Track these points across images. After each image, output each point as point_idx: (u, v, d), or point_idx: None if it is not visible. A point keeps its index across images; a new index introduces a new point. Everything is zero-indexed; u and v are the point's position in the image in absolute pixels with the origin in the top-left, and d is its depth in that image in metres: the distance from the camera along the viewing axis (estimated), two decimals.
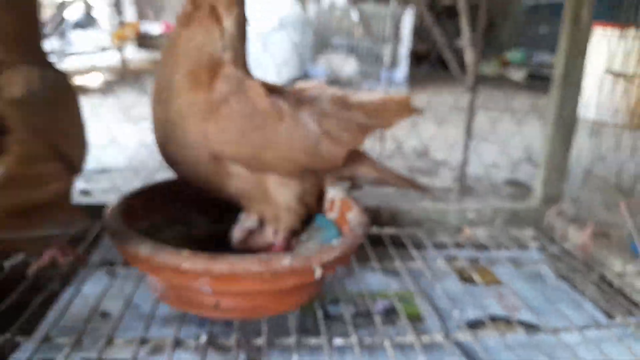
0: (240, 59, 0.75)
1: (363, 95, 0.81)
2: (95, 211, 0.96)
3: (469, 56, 1.09)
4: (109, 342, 0.64)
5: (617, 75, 1.27)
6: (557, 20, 1.73)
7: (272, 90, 0.75)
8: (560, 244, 1.00)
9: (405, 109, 0.82)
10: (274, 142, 0.73)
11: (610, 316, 0.82)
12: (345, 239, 0.70)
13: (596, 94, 1.24)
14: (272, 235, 0.78)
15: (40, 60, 0.68)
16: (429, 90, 1.51)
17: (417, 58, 3.68)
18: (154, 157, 1.17)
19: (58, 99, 0.65)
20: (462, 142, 1.26)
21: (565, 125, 1.04)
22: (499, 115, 1.32)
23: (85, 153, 0.68)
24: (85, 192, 1.31)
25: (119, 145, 1.55)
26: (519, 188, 1.48)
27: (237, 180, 0.75)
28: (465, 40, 1.10)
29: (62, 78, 0.68)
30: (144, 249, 0.62)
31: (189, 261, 0.60)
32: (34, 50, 0.67)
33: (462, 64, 1.37)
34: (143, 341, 0.65)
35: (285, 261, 0.61)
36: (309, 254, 0.64)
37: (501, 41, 4.62)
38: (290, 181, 0.77)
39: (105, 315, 0.75)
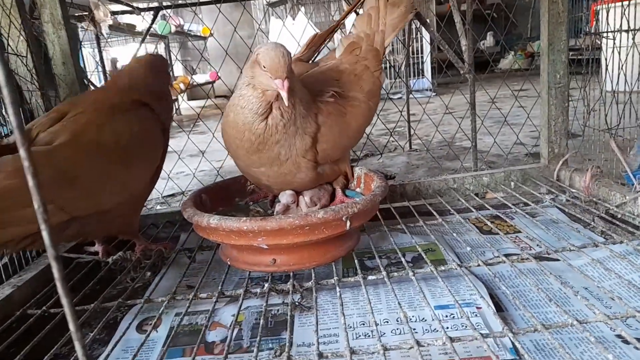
0: (307, 97, 0.88)
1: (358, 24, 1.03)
2: (172, 216, 1.20)
3: (462, 45, 1.24)
4: (195, 296, 0.84)
5: None
6: (576, 6, 1.84)
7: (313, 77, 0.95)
8: (569, 192, 1.11)
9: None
10: (351, 131, 0.94)
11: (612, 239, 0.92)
12: (366, 196, 0.87)
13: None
14: (304, 207, 0.95)
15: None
16: (452, 93, 1.67)
17: (440, 66, 3.82)
18: (214, 180, 1.40)
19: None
20: (484, 128, 1.40)
21: (559, 88, 1.17)
22: (525, 101, 1.44)
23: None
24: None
25: (183, 175, 1.80)
26: (538, 157, 1.59)
27: (326, 174, 0.95)
28: (460, 34, 1.26)
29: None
30: (214, 220, 0.82)
31: (247, 223, 0.79)
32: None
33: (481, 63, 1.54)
34: (220, 294, 0.84)
35: (319, 214, 0.79)
36: (338, 209, 0.81)
37: (523, 35, 4.68)
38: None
39: (189, 287, 0.95)
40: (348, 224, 0.82)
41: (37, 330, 0.75)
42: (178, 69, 5.12)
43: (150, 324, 0.80)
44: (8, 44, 1.07)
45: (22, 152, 0.27)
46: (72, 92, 1.14)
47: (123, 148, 0.86)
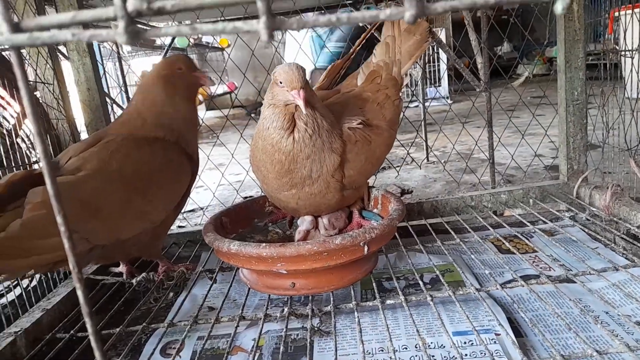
0: (331, 117, 0.89)
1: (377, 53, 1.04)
2: (193, 235, 1.22)
3: (478, 63, 1.25)
4: (216, 320, 0.86)
5: None
6: (595, 10, 1.82)
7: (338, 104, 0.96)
8: (589, 210, 1.10)
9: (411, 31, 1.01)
10: (375, 159, 0.96)
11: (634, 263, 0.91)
12: (384, 221, 0.87)
13: None
14: (323, 232, 0.97)
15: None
16: (470, 101, 1.66)
17: (457, 73, 3.81)
18: (233, 195, 1.42)
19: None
20: (505, 140, 1.40)
21: (577, 105, 1.16)
22: (544, 108, 1.43)
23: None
24: (180, 227, 1.59)
25: (203, 190, 1.83)
26: (557, 170, 1.57)
27: (348, 197, 0.96)
28: (475, 48, 1.27)
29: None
30: (234, 246, 0.84)
31: (266, 249, 0.80)
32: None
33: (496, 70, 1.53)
34: (241, 318, 0.86)
35: (337, 241, 0.80)
36: (356, 235, 0.83)
37: (541, 41, 4.63)
38: None
39: (211, 308, 0.97)
40: (366, 249, 0.84)
41: (66, 353, 0.77)
42: None
43: (174, 348, 0.82)
44: (36, 72, 1.11)
45: (49, 186, 0.27)
46: (97, 117, 1.17)
47: (146, 180, 0.88)
